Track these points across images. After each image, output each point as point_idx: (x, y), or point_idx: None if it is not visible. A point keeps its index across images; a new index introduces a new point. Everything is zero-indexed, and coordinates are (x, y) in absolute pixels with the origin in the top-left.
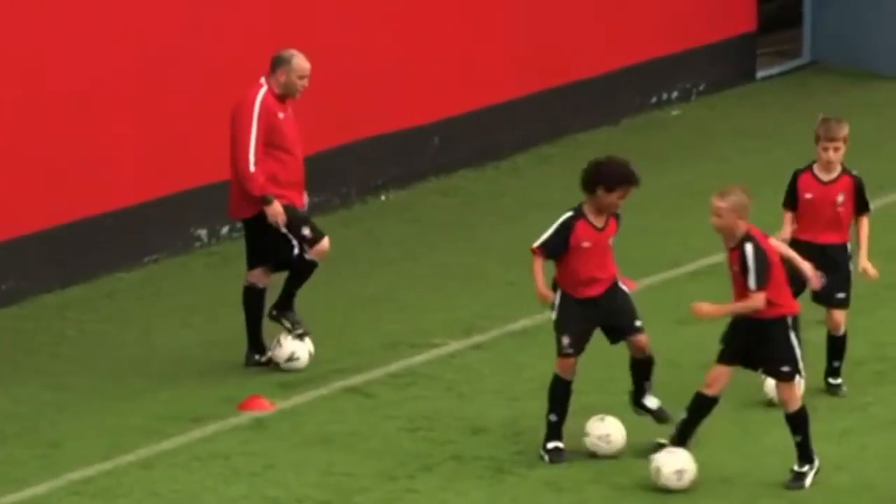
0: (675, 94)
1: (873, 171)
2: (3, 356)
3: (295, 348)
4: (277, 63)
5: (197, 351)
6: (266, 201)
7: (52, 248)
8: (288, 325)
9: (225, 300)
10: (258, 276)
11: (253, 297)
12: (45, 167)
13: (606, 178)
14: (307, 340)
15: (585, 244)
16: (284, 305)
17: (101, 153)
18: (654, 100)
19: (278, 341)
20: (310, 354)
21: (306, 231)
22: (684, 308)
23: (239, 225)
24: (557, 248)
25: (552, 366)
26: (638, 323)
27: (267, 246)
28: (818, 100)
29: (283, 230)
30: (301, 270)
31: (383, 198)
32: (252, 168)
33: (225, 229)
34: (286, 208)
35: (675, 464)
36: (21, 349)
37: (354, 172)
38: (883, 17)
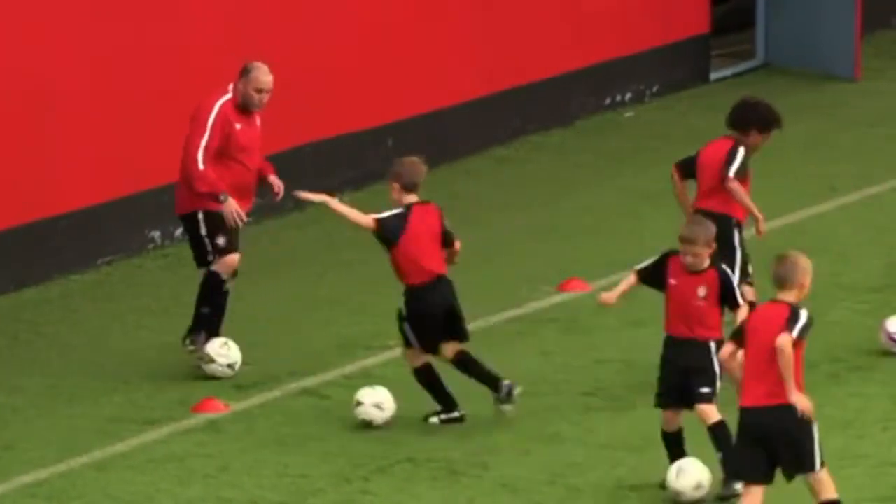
0: (628, 96)
1: (826, 173)
2: None
3: (238, 359)
4: (241, 73)
5: (151, 353)
6: (219, 199)
7: (5, 250)
8: (192, 347)
9: (179, 302)
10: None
11: (213, 286)
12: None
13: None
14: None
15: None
16: (194, 328)
17: (53, 155)
18: (607, 101)
19: (226, 343)
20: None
21: (220, 240)
22: (637, 309)
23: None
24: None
25: (505, 367)
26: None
27: (190, 246)
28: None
29: (204, 234)
30: (206, 282)
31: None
32: (201, 166)
33: (178, 231)
34: (213, 215)
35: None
36: None
37: (309, 174)
38: (835, 18)
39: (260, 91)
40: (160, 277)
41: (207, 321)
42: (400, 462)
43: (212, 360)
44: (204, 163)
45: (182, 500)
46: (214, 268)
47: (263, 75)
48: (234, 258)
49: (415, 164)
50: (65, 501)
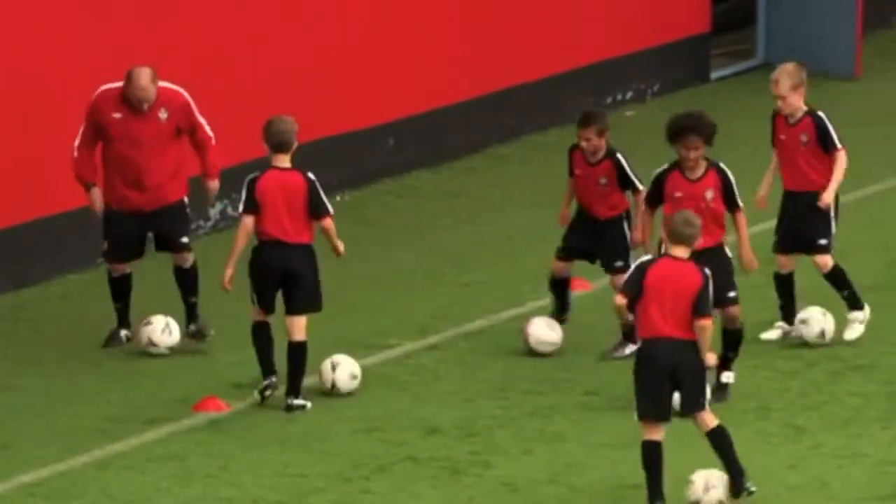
0: (629, 95)
1: None
2: None
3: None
4: (125, 77)
5: (151, 352)
6: (85, 187)
7: (4, 249)
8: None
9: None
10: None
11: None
12: None
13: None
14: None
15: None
16: (118, 322)
17: (52, 154)
18: (608, 101)
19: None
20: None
21: (104, 245)
22: None
23: (193, 226)
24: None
25: (507, 366)
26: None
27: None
28: (771, 101)
29: (99, 213)
30: (108, 279)
31: (338, 199)
32: (75, 153)
33: None
34: (111, 216)
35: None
36: None
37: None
38: (836, 17)
39: (138, 101)
40: (160, 277)
41: (118, 313)
42: (401, 461)
43: (153, 344)
44: (77, 150)
45: (182, 499)
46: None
47: (138, 91)
48: (115, 266)
49: (283, 123)
50: (64, 501)
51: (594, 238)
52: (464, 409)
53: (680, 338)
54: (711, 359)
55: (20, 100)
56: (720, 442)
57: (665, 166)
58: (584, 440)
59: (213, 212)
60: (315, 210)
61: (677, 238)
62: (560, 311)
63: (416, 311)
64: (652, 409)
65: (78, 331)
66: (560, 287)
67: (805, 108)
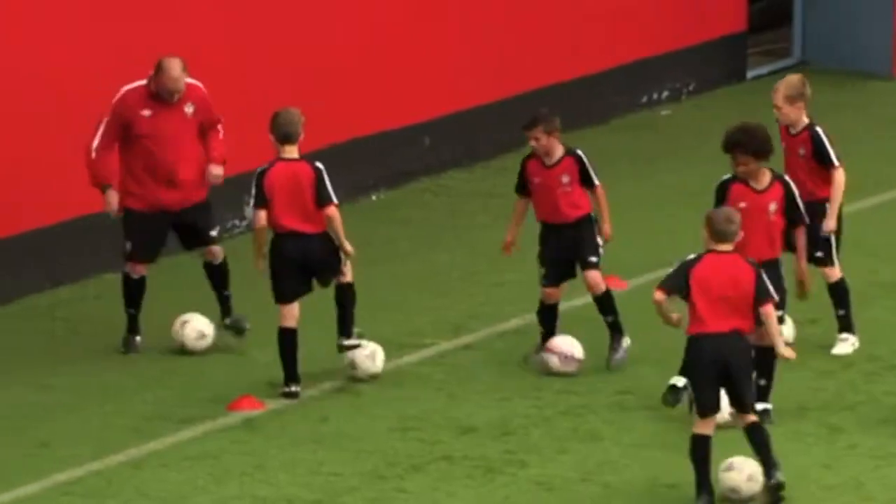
0: (664, 94)
1: (862, 172)
2: None
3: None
4: (155, 68)
5: (187, 351)
6: (101, 189)
7: (41, 248)
8: (132, 354)
9: (213, 301)
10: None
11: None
12: (35, 168)
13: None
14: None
15: None
16: (128, 329)
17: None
18: (643, 99)
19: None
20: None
21: (127, 245)
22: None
23: (229, 224)
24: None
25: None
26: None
27: None
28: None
29: (114, 215)
30: (123, 282)
31: (373, 198)
32: (93, 155)
33: (214, 231)
34: (134, 216)
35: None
36: (10, 349)
37: (344, 172)
38: (872, 16)
39: (169, 92)
40: (198, 275)
41: (130, 320)
42: (435, 460)
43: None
44: (97, 151)
45: (217, 498)
46: (125, 268)
47: (170, 81)
48: (138, 268)
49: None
50: (100, 499)
51: (566, 245)
52: (498, 408)
53: (728, 332)
54: (788, 352)
55: (58, 100)
56: (759, 436)
57: (728, 175)
58: (618, 439)
59: (249, 210)
60: (319, 199)
61: (720, 235)
62: (547, 336)
63: (450, 310)
64: (702, 403)
65: (113, 330)
66: (548, 314)
67: (806, 120)
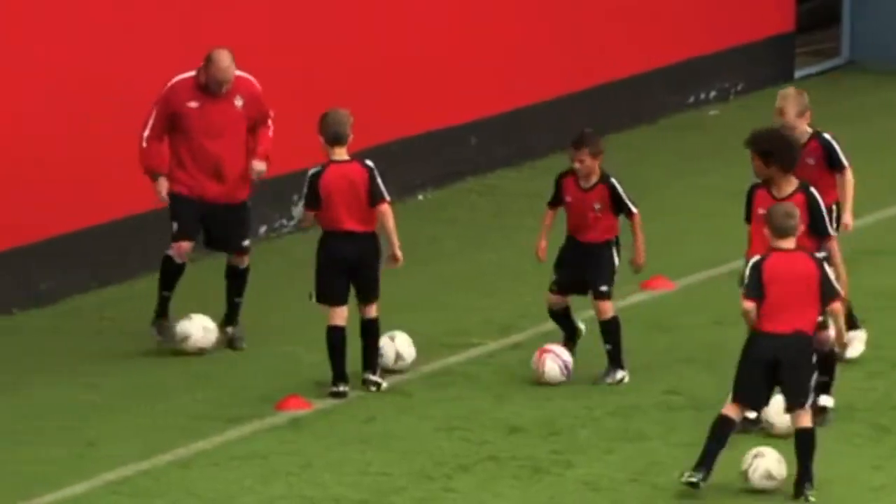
0: (712, 94)
1: None
2: (40, 355)
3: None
4: (204, 60)
5: (234, 350)
6: (151, 177)
7: (90, 247)
8: (159, 338)
9: (264, 298)
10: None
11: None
12: (83, 167)
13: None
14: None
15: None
16: (158, 312)
17: (137, 153)
18: (691, 99)
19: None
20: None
21: (175, 225)
22: (720, 308)
23: (276, 224)
24: None
25: (588, 365)
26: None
27: None
28: (855, 100)
29: (164, 202)
30: (163, 263)
31: (420, 197)
32: (144, 144)
33: (263, 229)
34: (181, 199)
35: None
36: (58, 349)
37: (391, 172)
38: None
39: (218, 83)
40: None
41: (164, 302)
42: (482, 460)
43: (187, 338)
44: (147, 141)
45: (265, 497)
46: (168, 251)
47: (220, 72)
48: (182, 245)
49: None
50: (148, 499)
51: (583, 265)
52: (545, 408)
53: (789, 333)
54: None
55: (109, 98)
56: (805, 443)
57: (759, 179)
58: (665, 439)
59: (296, 210)
60: (372, 196)
61: (781, 231)
62: (568, 339)
63: (497, 310)
64: (745, 394)
65: None
66: (561, 318)
67: (810, 130)
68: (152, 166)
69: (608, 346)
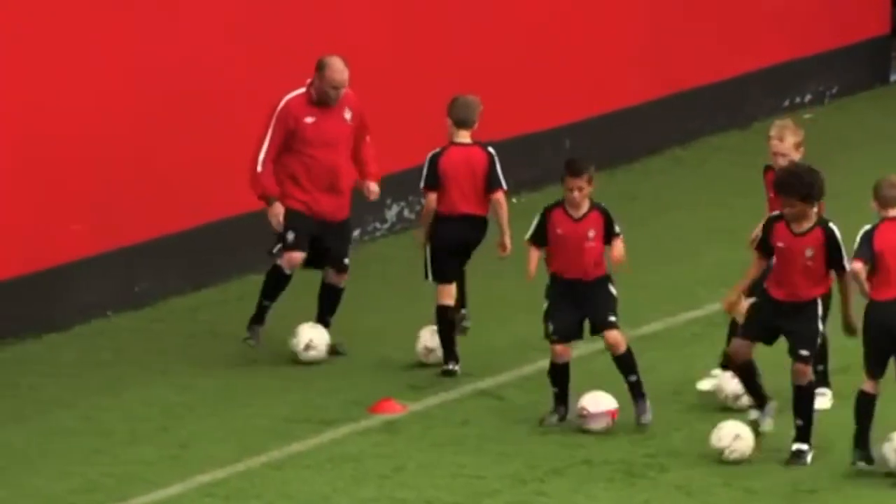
0: (807, 98)
1: None
2: (134, 357)
3: (312, 336)
4: (316, 68)
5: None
6: (267, 202)
7: (184, 251)
8: (251, 341)
9: (358, 301)
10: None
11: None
12: (179, 171)
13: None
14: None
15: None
16: (255, 318)
17: (231, 157)
18: (786, 103)
19: (294, 331)
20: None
21: (289, 236)
22: None
23: (370, 227)
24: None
25: (683, 369)
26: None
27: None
28: None
29: (280, 229)
30: (270, 273)
31: (514, 200)
32: (259, 168)
33: (357, 232)
34: (296, 214)
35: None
36: (152, 350)
37: None
38: None
39: (335, 88)
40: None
41: (263, 311)
42: (576, 464)
43: (311, 347)
44: (264, 164)
45: (357, 499)
46: (279, 259)
47: (337, 73)
48: (295, 255)
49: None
50: (243, 501)
51: (580, 303)
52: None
53: None
54: None
55: (202, 102)
56: None
57: (776, 213)
58: (760, 444)
59: (390, 214)
60: (489, 183)
61: (886, 201)
62: (558, 403)
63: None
64: (868, 366)
65: None
66: (560, 374)
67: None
68: (269, 190)
69: (632, 378)
